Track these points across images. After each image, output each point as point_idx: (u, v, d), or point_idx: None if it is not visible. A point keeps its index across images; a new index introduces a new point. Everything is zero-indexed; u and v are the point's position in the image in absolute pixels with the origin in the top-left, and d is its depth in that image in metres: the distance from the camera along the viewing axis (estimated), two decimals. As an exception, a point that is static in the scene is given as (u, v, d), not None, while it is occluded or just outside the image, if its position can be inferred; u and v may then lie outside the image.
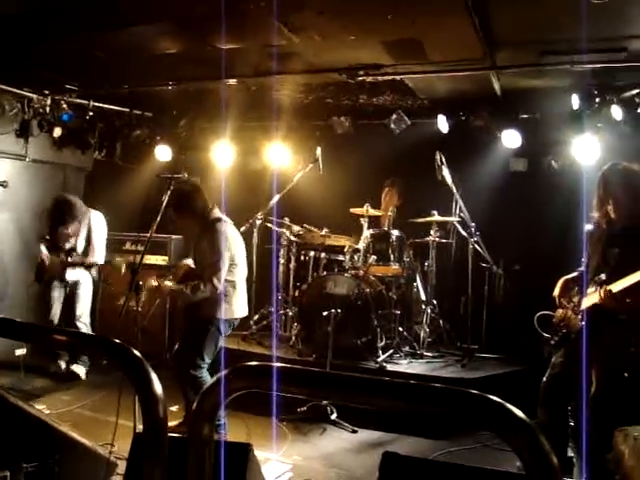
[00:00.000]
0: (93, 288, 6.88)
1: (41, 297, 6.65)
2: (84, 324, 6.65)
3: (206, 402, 1.70)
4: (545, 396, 4.19)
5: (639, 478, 1.35)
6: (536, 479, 1.35)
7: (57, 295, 6.53)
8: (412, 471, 2.41)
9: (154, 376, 1.72)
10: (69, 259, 6.37)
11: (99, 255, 6.51)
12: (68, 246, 6.43)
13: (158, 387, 1.71)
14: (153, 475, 1.71)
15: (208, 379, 4.66)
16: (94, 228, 6.54)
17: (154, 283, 4.66)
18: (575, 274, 4.31)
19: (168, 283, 4.71)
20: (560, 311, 4.29)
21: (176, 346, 5.00)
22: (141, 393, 1.73)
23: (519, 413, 1.38)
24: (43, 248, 6.44)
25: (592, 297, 3.91)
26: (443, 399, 1.50)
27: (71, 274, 6.51)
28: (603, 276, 3.88)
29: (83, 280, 6.63)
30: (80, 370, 6.48)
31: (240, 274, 4.91)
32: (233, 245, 4.82)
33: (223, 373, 1.67)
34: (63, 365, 6.59)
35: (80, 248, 6.46)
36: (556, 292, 4.34)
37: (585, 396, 3.87)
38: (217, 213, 4.89)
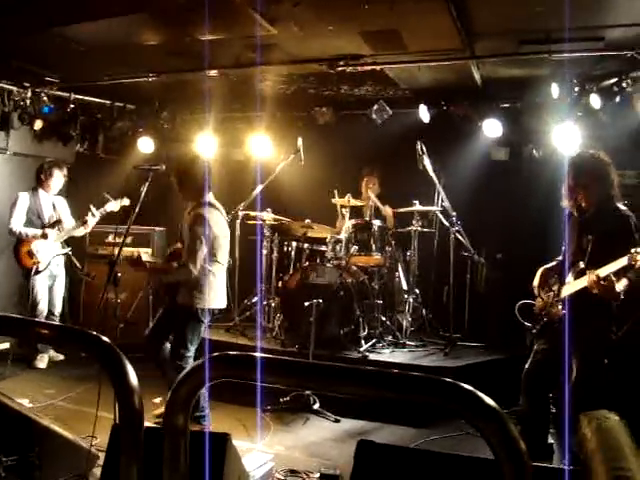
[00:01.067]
0: (76, 281, 6.90)
1: (24, 289, 6.57)
2: (59, 315, 6.76)
3: (181, 391, 1.69)
4: (527, 384, 4.22)
5: (599, 460, 1.39)
6: (505, 465, 1.36)
7: (43, 287, 6.46)
8: (388, 459, 2.44)
9: (130, 367, 1.72)
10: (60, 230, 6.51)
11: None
12: (53, 219, 6.55)
13: (133, 378, 1.71)
14: (130, 466, 1.71)
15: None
16: (64, 207, 6.82)
17: (135, 253, 4.68)
18: (554, 263, 4.35)
19: (145, 257, 4.74)
20: (540, 300, 4.32)
21: (147, 330, 5.04)
22: (116, 384, 1.72)
23: (488, 400, 1.39)
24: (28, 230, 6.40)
25: (574, 284, 3.94)
26: (415, 387, 1.52)
27: (55, 265, 6.57)
28: (582, 264, 3.92)
29: (60, 273, 6.71)
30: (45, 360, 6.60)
31: (221, 264, 4.90)
32: (217, 232, 4.79)
33: (198, 362, 1.67)
34: (42, 365, 6.56)
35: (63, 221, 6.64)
36: (536, 282, 4.38)
37: (567, 383, 3.91)
38: (210, 198, 4.89)
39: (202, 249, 4.64)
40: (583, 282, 3.81)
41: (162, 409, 4.86)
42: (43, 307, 6.44)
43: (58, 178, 6.63)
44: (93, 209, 6.49)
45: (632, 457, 1.39)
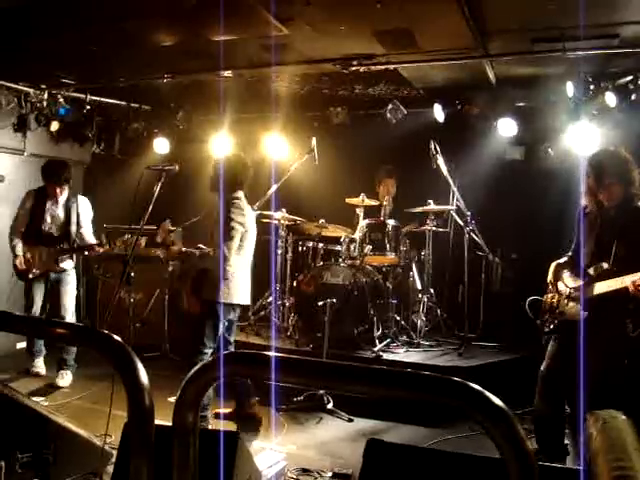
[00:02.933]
0: (93, 281, 6.87)
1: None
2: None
3: (190, 389, 1.70)
4: (543, 385, 4.16)
5: (602, 459, 1.39)
6: (511, 465, 1.36)
7: (36, 292, 6.11)
8: (397, 458, 2.44)
9: (140, 365, 1.72)
10: (63, 247, 6.03)
11: (91, 237, 6.22)
12: (58, 233, 6.07)
13: (144, 376, 1.71)
14: (140, 464, 1.72)
15: None
16: (82, 211, 6.23)
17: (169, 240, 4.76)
18: (565, 259, 4.29)
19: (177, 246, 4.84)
20: (549, 296, 4.27)
21: None
22: (126, 382, 1.74)
23: (496, 400, 1.38)
24: (18, 244, 6.04)
25: (608, 284, 3.82)
26: (423, 386, 1.51)
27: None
28: (605, 265, 3.85)
29: (67, 276, 6.19)
30: (66, 378, 6.08)
31: (244, 258, 4.97)
32: (248, 226, 4.94)
33: (207, 360, 1.67)
34: (42, 370, 6.27)
35: (73, 233, 6.11)
36: (550, 277, 4.31)
37: (583, 383, 3.86)
38: (239, 195, 5.03)
39: (237, 236, 4.79)
40: (619, 284, 3.73)
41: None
42: (35, 312, 6.05)
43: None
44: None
45: (636, 456, 1.38)
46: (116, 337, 1.78)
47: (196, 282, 4.93)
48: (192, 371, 1.72)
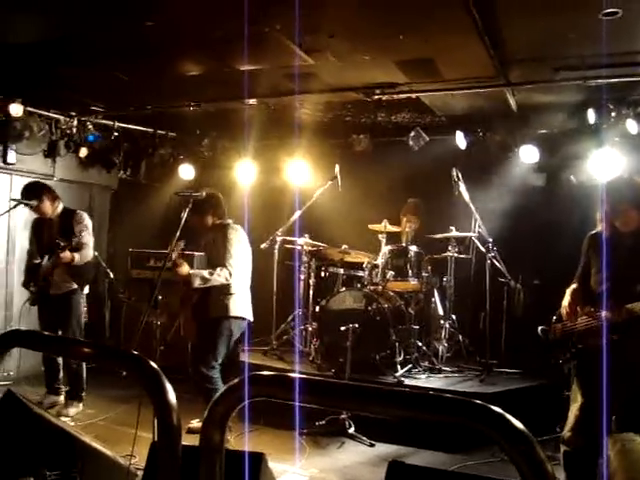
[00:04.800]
0: (116, 305, 6.91)
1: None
2: None
3: (218, 410, 1.73)
4: (580, 424, 4.05)
5: (620, 478, 1.41)
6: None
7: (43, 310, 5.97)
8: (419, 480, 2.46)
9: (169, 386, 1.77)
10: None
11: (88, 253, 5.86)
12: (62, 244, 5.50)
13: (172, 396, 1.75)
14: (168, 482, 1.76)
15: (220, 380, 4.98)
16: (87, 225, 5.93)
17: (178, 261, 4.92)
18: (574, 286, 4.26)
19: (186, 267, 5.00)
20: (559, 325, 4.24)
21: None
22: (156, 402, 1.78)
23: (517, 423, 1.40)
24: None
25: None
26: (445, 408, 1.53)
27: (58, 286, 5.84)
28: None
29: (71, 296, 5.93)
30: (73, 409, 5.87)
31: (241, 278, 5.17)
32: (244, 248, 5.24)
33: (234, 382, 1.70)
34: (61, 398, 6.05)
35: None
36: (567, 302, 4.18)
37: (606, 407, 3.80)
38: (230, 221, 5.36)
39: (235, 257, 5.03)
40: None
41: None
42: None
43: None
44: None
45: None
46: (146, 359, 1.84)
47: (198, 307, 5.10)
48: (219, 392, 1.76)
